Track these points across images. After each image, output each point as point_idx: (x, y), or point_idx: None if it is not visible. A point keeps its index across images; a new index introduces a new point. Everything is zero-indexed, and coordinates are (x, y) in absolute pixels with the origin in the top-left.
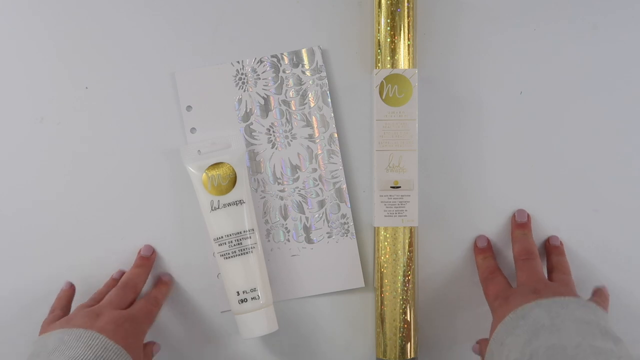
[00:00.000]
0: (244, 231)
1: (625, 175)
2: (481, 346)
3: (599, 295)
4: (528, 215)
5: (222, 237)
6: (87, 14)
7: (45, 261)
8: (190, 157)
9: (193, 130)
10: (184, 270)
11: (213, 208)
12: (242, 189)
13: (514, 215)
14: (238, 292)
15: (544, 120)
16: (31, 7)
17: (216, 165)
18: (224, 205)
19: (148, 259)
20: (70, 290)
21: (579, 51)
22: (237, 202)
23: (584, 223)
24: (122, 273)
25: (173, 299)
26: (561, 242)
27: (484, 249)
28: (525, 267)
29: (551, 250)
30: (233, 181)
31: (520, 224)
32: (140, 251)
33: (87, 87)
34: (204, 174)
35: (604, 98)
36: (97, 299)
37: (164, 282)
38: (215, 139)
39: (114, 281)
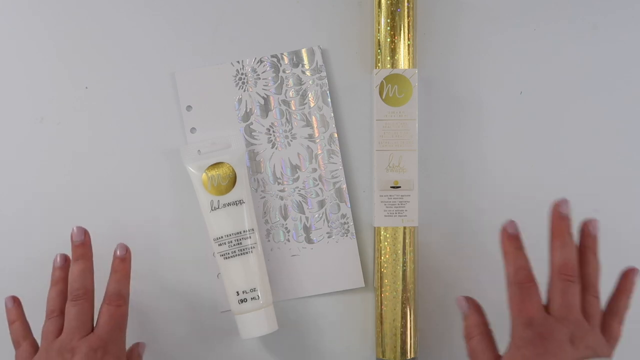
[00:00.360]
0: (244, 231)
1: (625, 175)
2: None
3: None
4: (569, 220)
5: (221, 237)
6: (87, 14)
7: (45, 261)
8: (190, 157)
9: (193, 130)
10: (184, 270)
11: (213, 208)
12: (242, 189)
13: (556, 205)
14: (238, 292)
15: (544, 120)
16: (31, 7)
17: (216, 165)
18: (224, 205)
19: (83, 244)
20: (19, 309)
21: (579, 51)
22: (237, 202)
23: None
24: (65, 259)
25: (173, 299)
26: (597, 230)
27: (515, 238)
28: (566, 293)
29: (587, 242)
30: (233, 181)
31: (563, 218)
32: (72, 236)
33: (87, 87)
34: (204, 174)
35: (604, 98)
36: (53, 315)
37: (120, 260)
38: (215, 139)
39: (59, 272)
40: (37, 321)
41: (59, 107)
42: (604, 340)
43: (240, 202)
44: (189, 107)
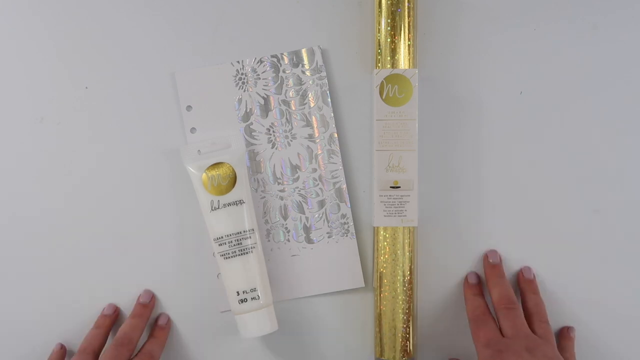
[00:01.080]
0: (244, 231)
1: (625, 175)
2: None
3: (566, 339)
4: (500, 256)
5: (222, 237)
6: (87, 14)
7: (45, 260)
8: (190, 157)
9: (193, 130)
10: (184, 270)
11: (213, 208)
12: (242, 189)
13: (486, 256)
14: (238, 292)
15: (544, 120)
16: (31, 7)
17: (216, 165)
18: (224, 205)
19: (146, 306)
20: (62, 351)
21: (579, 51)
22: (237, 202)
23: (584, 223)
24: (113, 309)
25: (173, 299)
26: (534, 275)
27: (473, 286)
28: (510, 317)
29: (525, 285)
30: (233, 181)
31: (494, 265)
32: (139, 298)
33: (87, 87)
34: (204, 174)
35: (604, 98)
36: (85, 352)
37: (160, 328)
38: (215, 139)
39: (104, 320)
40: (33, 321)
41: (59, 107)
42: (561, 357)
43: (241, 202)
44: (189, 107)
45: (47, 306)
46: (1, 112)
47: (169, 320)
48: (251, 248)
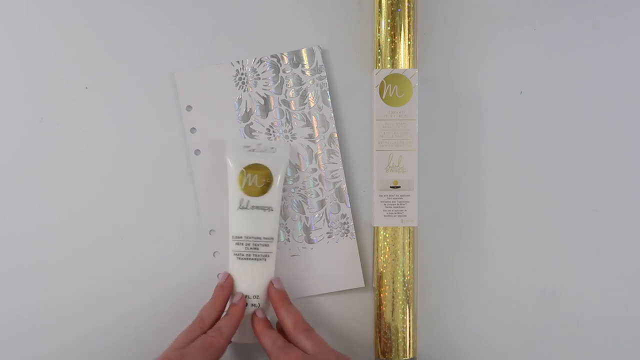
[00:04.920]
0: (264, 238)
1: (625, 175)
2: None
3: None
4: (284, 292)
5: (241, 237)
6: (86, 14)
7: (45, 261)
8: (233, 150)
9: (193, 130)
10: (184, 270)
11: (241, 206)
12: (274, 196)
13: (271, 283)
14: None
15: (544, 120)
16: (31, 7)
17: (256, 165)
18: (252, 207)
19: (222, 287)
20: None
21: (579, 51)
22: (266, 208)
23: (584, 223)
24: (227, 279)
25: (173, 299)
26: (281, 284)
27: (263, 320)
28: (310, 337)
29: (275, 301)
30: (268, 186)
31: (280, 291)
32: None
33: (87, 87)
34: (242, 170)
35: (604, 98)
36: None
37: (233, 305)
38: (263, 140)
39: (221, 291)
40: (31, 320)
41: (58, 107)
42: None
43: (270, 208)
44: (189, 107)
45: (46, 305)
46: (1, 112)
47: (242, 297)
48: (265, 256)
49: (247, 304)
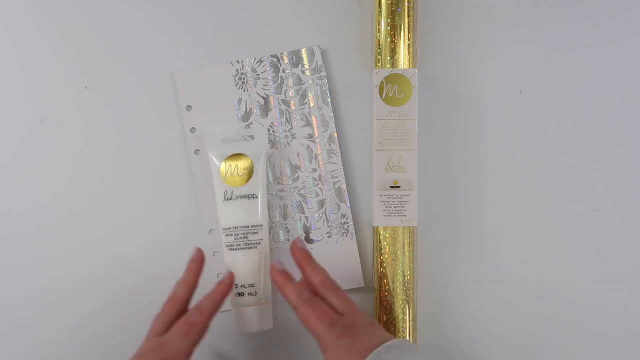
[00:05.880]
0: (252, 226)
1: (625, 175)
2: None
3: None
4: (308, 251)
5: (230, 228)
6: (86, 14)
7: (46, 260)
8: (213, 145)
9: (193, 130)
10: (183, 270)
11: (226, 198)
12: (257, 184)
13: (294, 243)
14: (237, 285)
15: (544, 120)
16: (31, 7)
17: (236, 156)
18: (237, 197)
19: (194, 260)
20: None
21: (579, 51)
22: (250, 196)
23: (584, 223)
24: (198, 252)
25: None
26: (304, 244)
27: (284, 272)
28: (338, 295)
29: (302, 257)
30: (249, 174)
31: (303, 250)
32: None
33: (87, 87)
34: (223, 163)
35: (604, 98)
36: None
37: (219, 282)
38: (241, 130)
39: (193, 265)
40: (31, 319)
41: (58, 107)
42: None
43: (254, 196)
44: (189, 107)
45: (46, 305)
46: (1, 112)
47: (230, 274)
48: (256, 244)
49: (235, 284)
